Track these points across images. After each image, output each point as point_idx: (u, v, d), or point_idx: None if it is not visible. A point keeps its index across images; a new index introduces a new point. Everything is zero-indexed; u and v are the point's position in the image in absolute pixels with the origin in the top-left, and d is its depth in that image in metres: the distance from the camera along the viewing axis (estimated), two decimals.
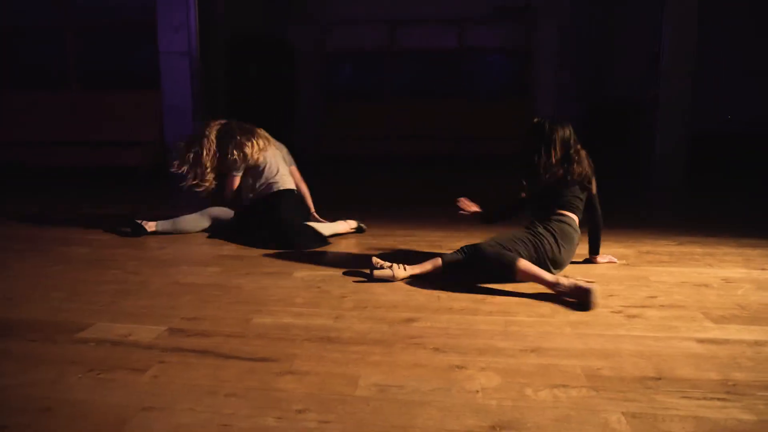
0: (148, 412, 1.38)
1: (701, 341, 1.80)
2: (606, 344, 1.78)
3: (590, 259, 2.79)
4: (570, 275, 2.55)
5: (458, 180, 6.52)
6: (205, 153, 3.27)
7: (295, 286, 2.42)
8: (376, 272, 2.45)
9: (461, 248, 2.54)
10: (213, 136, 3.31)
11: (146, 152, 6.29)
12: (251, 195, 3.35)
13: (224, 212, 3.44)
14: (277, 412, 1.37)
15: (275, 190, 3.29)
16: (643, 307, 2.14)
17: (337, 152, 8.29)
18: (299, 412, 1.38)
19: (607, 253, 2.81)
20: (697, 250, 3.05)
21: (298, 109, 8.74)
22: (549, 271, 2.40)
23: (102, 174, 6.45)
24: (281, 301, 2.22)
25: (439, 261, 2.52)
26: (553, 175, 2.58)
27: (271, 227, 3.16)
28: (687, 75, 6.23)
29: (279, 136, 3.70)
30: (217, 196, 3.44)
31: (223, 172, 3.35)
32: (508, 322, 1.98)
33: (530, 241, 2.45)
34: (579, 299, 2.15)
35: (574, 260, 2.79)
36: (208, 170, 3.29)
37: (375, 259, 2.50)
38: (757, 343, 1.79)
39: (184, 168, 3.30)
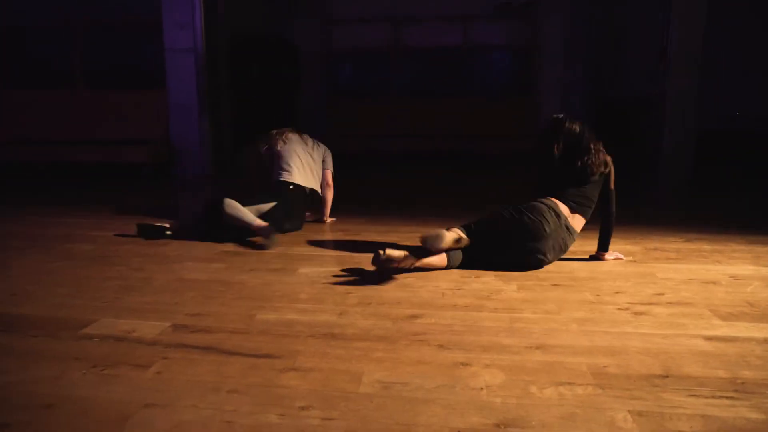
0: (151, 408, 1.37)
1: (709, 339, 1.78)
2: (612, 341, 1.76)
3: (597, 256, 2.77)
4: (575, 271, 2.54)
5: (459, 180, 6.49)
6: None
7: (299, 282, 2.41)
8: (389, 250, 2.40)
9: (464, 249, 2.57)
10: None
11: (151, 150, 6.30)
12: (269, 179, 3.57)
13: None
14: (279, 409, 1.36)
15: (280, 179, 3.45)
16: (651, 304, 2.12)
17: (341, 150, 8.25)
18: (302, 408, 1.36)
19: (614, 250, 2.79)
20: (705, 246, 3.01)
21: (302, 107, 8.73)
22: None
23: (106, 172, 6.47)
24: (285, 296, 2.22)
25: (444, 263, 2.54)
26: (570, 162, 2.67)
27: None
28: (694, 69, 6.17)
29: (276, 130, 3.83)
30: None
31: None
32: (513, 319, 1.97)
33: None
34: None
35: (581, 257, 2.78)
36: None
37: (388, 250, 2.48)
38: (766, 340, 1.77)
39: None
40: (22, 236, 3.31)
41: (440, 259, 2.52)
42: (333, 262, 2.73)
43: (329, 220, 3.73)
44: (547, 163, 2.73)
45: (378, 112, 8.86)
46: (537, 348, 1.72)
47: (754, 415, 1.32)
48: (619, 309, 2.06)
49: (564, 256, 2.78)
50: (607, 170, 2.69)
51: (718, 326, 1.89)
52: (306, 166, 3.55)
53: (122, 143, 6.42)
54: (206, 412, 1.35)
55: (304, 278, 2.47)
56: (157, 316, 1.99)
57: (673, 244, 3.08)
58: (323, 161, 3.70)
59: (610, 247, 2.76)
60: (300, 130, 3.75)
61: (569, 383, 1.48)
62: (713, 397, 1.41)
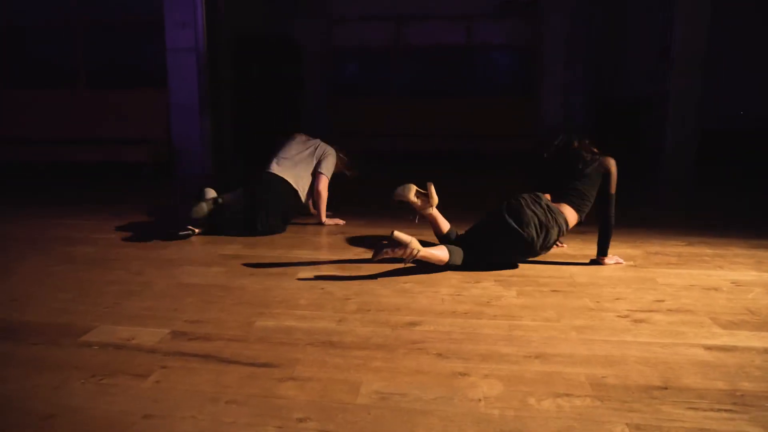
0: (149, 419, 1.37)
1: (709, 348, 1.78)
2: (612, 350, 1.76)
3: (597, 260, 2.76)
4: (575, 276, 2.54)
5: (460, 180, 6.48)
6: None
7: (298, 288, 2.41)
8: (396, 233, 2.39)
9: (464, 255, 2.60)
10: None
11: (152, 150, 6.30)
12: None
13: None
14: (277, 420, 1.37)
15: (266, 170, 3.58)
16: (650, 311, 2.12)
17: (345, 148, 8.26)
18: (300, 420, 1.37)
19: (614, 254, 2.79)
20: (707, 251, 3.01)
21: (304, 106, 8.71)
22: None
23: (106, 172, 6.48)
24: (284, 302, 2.22)
25: (445, 257, 2.55)
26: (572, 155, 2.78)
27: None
28: (697, 69, 6.16)
29: (285, 134, 3.92)
30: None
31: None
32: (512, 326, 1.96)
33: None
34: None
35: (580, 261, 2.78)
36: None
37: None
38: (766, 350, 1.76)
39: None
40: (22, 238, 3.32)
41: (441, 252, 2.54)
42: (333, 267, 2.73)
43: (329, 221, 3.69)
44: (538, 165, 2.92)
45: (378, 111, 8.84)
46: (536, 357, 1.72)
47: (752, 429, 1.32)
48: (618, 316, 2.06)
49: (563, 260, 2.78)
50: (606, 170, 2.69)
51: (718, 335, 1.89)
52: (297, 163, 3.63)
53: (123, 143, 6.42)
54: (204, 424, 1.35)
55: (303, 283, 2.47)
56: (156, 323, 2.00)
57: (675, 247, 3.08)
58: (319, 162, 3.66)
59: (611, 250, 2.75)
60: (307, 134, 3.90)
61: (567, 395, 1.48)
62: (712, 410, 1.40)
